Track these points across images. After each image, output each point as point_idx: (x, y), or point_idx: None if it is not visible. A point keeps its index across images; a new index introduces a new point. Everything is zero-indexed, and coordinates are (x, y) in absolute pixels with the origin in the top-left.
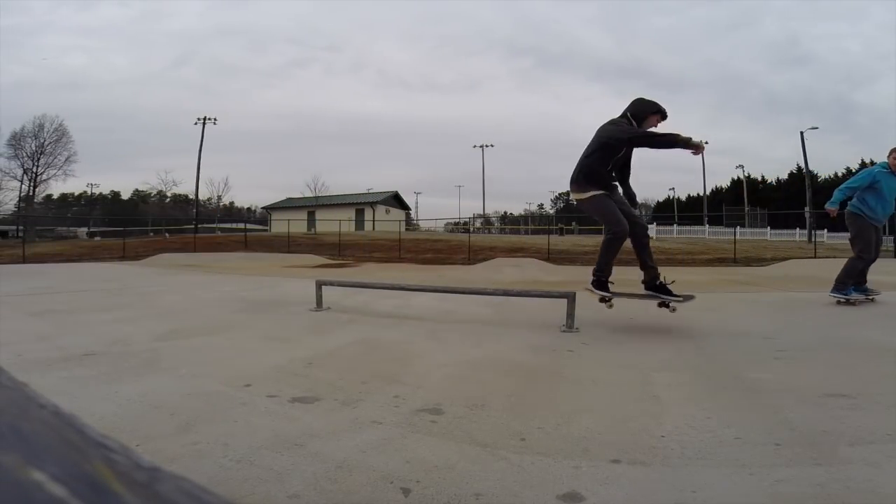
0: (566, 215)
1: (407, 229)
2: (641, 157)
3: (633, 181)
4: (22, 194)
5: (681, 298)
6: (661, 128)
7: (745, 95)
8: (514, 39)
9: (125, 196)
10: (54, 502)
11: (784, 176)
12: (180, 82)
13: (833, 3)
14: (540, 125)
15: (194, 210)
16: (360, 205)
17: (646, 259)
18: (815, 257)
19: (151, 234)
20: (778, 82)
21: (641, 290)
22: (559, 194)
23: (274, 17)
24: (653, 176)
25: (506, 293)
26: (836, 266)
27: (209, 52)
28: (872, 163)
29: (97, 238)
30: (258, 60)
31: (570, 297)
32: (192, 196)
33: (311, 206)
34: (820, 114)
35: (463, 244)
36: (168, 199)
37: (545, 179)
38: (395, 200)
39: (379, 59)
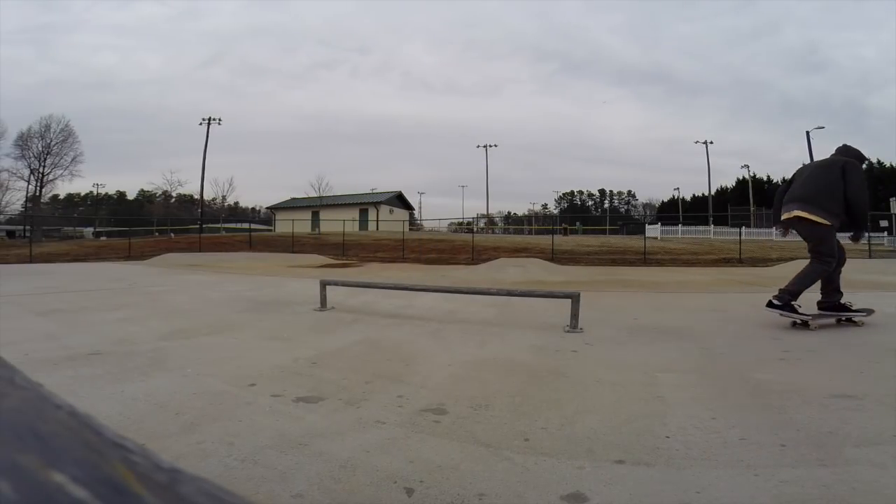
0: (570, 215)
1: (410, 229)
2: (645, 156)
3: (638, 180)
4: (29, 194)
5: (864, 314)
6: None
7: (761, 100)
8: (540, 45)
9: (131, 196)
10: None
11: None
12: (207, 83)
13: (854, 12)
14: (555, 126)
15: (199, 210)
16: (363, 205)
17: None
18: None
19: (157, 234)
20: (793, 87)
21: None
22: (563, 194)
23: (308, 17)
24: (658, 176)
25: (509, 293)
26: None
27: (239, 53)
28: (880, 162)
29: (103, 238)
30: (286, 61)
31: (575, 298)
32: (196, 196)
33: (315, 206)
34: (833, 117)
35: (466, 244)
36: (173, 200)
37: (555, 179)
38: (399, 200)
39: (406, 61)
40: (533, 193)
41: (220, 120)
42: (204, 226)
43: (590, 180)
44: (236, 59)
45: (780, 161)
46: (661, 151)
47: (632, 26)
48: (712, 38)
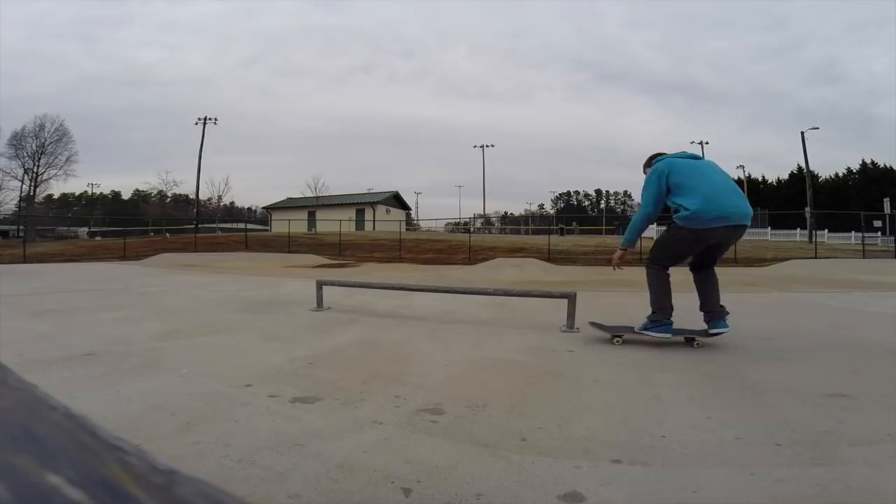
0: (567, 215)
1: (407, 229)
2: (644, 158)
3: (635, 179)
4: (23, 194)
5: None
6: None
7: (777, 109)
8: (578, 56)
9: (126, 196)
10: None
11: (787, 176)
12: (245, 82)
13: (876, 32)
14: (572, 130)
15: (195, 210)
16: (360, 205)
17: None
18: (815, 258)
19: (152, 233)
20: (808, 97)
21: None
22: (560, 194)
23: (363, 18)
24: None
25: (506, 293)
26: (836, 266)
27: (284, 53)
28: (874, 164)
29: (98, 238)
30: (328, 63)
31: (571, 298)
32: (192, 196)
33: (312, 206)
34: (843, 125)
35: (463, 244)
36: (168, 200)
37: (558, 181)
38: (396, 200)
39: (444, 67)
40: (530, 193)
41: (215, 120)
42: (200, 226)
43: (588, 181)
44: (280, 60)
45: (786, 165)
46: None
47: (667, 41)
48: (740, 52)
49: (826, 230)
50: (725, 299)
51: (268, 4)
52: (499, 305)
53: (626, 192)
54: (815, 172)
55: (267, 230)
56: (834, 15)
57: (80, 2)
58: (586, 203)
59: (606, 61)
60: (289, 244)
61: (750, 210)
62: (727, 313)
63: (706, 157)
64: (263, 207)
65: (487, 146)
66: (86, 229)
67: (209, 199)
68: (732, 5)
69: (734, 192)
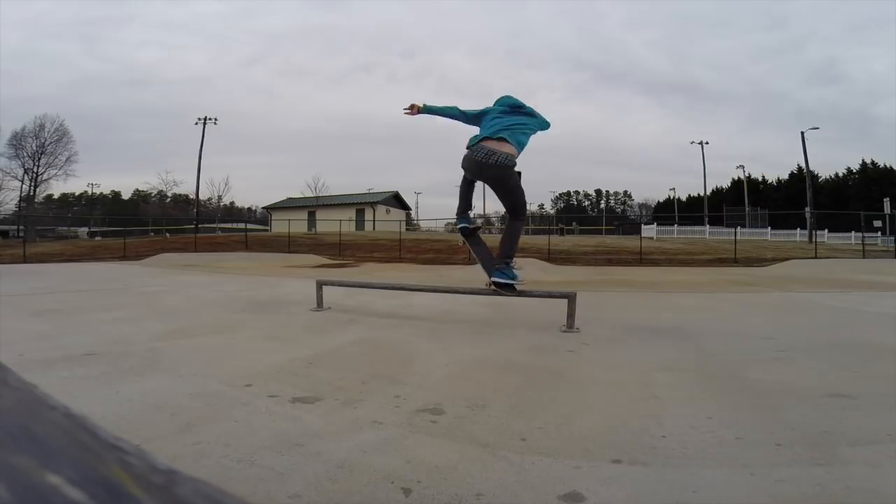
0: (566, 215)
1: (407, 229)
2: (656, 160)
3: (635, 179)
4: (23, 194)
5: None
6: None
7: (777, 109)
8: (578, 56)
9: (126, 196)
10: None
11: (787, 176)
12: (245, 82)
13: (876, 33)
14: (570, 130)
15: (195, 210)
16: (360, 205)
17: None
18: (815, 258)
19: (152, 233)
20: (808, 97)
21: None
22: (560, 194)
23: (363, 18)
24: (654, 176)
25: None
26: (836, 266)
27: (284, 53)
28: (874, 164)
29: (98, 238)
30: (328, 63)
31: (571, 298)
32: (192, 196)
33: (312, 206)
34: (843, 125)
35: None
36: (168, 200)
37: (568, 181)
38: (396, 200)
39: (444, 67)
40: (530, 193)
41: (215, 120)
42: (200, 226)
43: (588, 181)
44: (280, 60)
45: (786, 165)
46: (674, 156)
47: (667, 41)
48: (740, 52)
49: (826, 230)
50: (725, 299)
51: (268, 4)
52: (499, 305)
53: (626, 192)
54: (815, 172)
55: (267, 230)
56: (834, 15)
57: (80, 2)
58: (586, 203)
59: (606, 61)
60: (289, 244)
61: (488, 151)
62: (504, 266)
63: (717, 160)
64: (263, 207)
65: None
66: (86, 229)
67: (209, 199)
68: (732, 5)
69: (487, 141)
